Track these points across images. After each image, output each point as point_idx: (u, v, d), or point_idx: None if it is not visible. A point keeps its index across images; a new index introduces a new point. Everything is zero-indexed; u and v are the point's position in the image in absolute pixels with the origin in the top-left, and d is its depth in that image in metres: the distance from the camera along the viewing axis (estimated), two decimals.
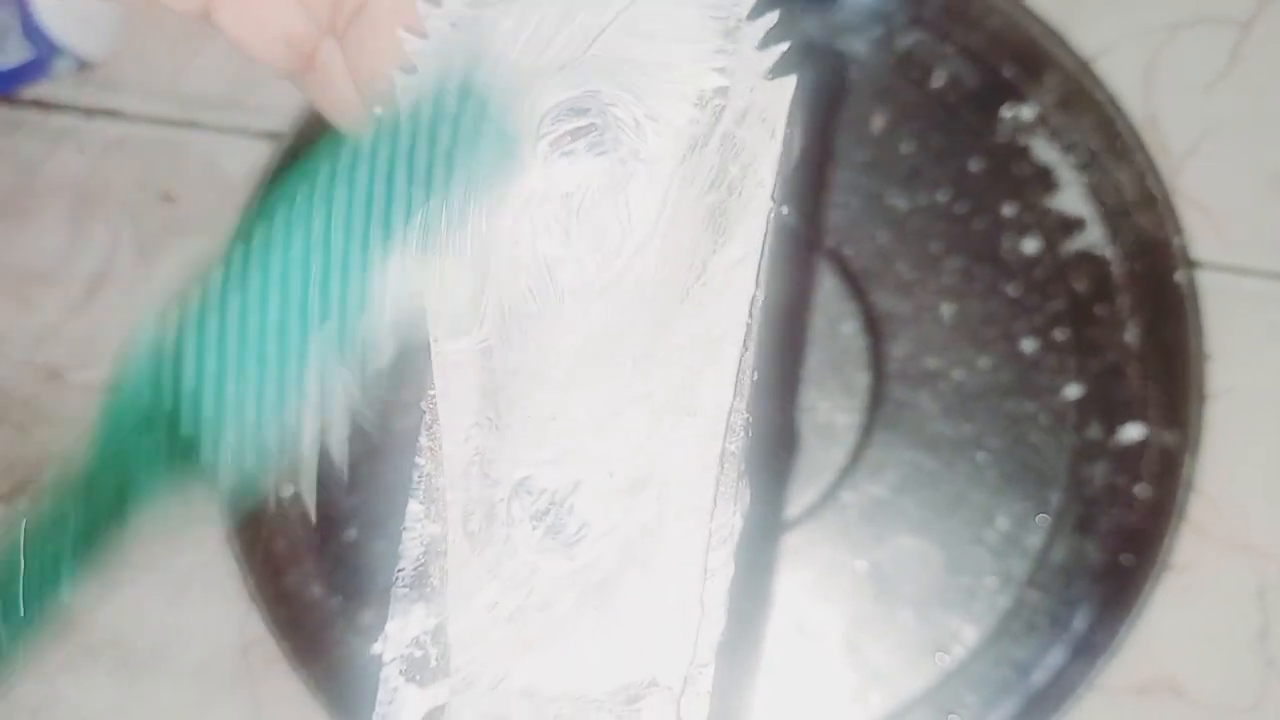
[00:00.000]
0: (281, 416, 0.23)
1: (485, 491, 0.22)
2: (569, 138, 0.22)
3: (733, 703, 0.44)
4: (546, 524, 0.21)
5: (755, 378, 0.22)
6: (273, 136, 0.51)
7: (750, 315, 0.22)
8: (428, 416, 0.23)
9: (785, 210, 0.23)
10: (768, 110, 0.23)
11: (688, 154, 0.22)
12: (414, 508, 0.24)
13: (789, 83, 0.23)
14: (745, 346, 0.22)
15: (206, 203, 0.52)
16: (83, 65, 0.53)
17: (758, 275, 0.22)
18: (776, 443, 0.46)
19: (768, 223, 0.22)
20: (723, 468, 0.21)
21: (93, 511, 0.23)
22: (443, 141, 0.22)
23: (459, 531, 0.22)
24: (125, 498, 0.23)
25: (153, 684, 0.49)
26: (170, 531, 0.23)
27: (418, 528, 0.23)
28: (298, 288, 0.23)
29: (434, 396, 0.24)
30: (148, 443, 0.23)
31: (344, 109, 0.29)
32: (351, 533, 0.48)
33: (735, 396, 0.22)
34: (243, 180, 0.51)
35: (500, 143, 0.22)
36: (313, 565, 0.48)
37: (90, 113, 0.54)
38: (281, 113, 0.51)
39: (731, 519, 0.22)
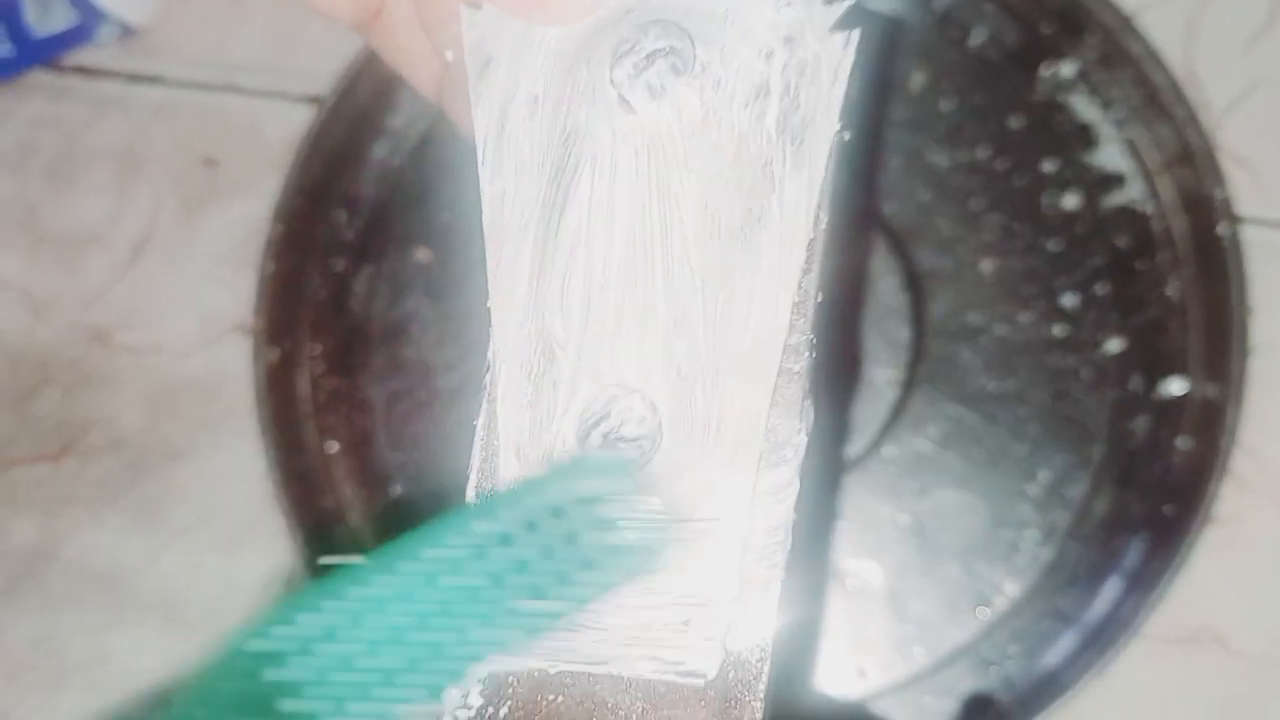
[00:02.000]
0: None
1: (540, 416, 0.22)
2: (647, 61, 0.22)
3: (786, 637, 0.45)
4: (595, 444, 0.22)
5: (820, 299, 0.22)
6: (313, 100, 0.52)
7: (811, 243, 0.22)
8: (490, 357, 0.24)
9: (847, 135, 0.24)
10: (831, 63, 0.23)
11: (752, 101, 0.23)
12: (475, 454, 0.24)
13: (853, 36, 0.23)
14: (808, 269, 0.22)
15: (248, 167, 0.53)
16: (126, 31, 0.54)
17: (819, 206, 0.23)
18: (841, 367, 0.46)
19: (828, 166, 0.22)
20: (787, 386, 0.22)
21: None
22: (573, 520, 0.21)
23: (511, 459, 0.22)
24: None
25: (204, 640, 0.50)
26: None
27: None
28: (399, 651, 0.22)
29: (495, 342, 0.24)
30: None
31: (411, 58, 0.29)
32: (397, 488, 0.49)
33: (798, 317, 0.22)
34: (284, 144, 0.52)
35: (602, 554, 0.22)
36: (359, 522, 0.49)
37: (134, 79, 0.54)
38: (322, 77, 0.51)
39: (796, 436, 0.22)
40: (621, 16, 0.23)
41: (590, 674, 0.22)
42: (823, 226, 0.22)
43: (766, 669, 0.21)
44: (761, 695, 0.21)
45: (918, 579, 0.47)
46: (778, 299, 0.22)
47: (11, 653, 0.50)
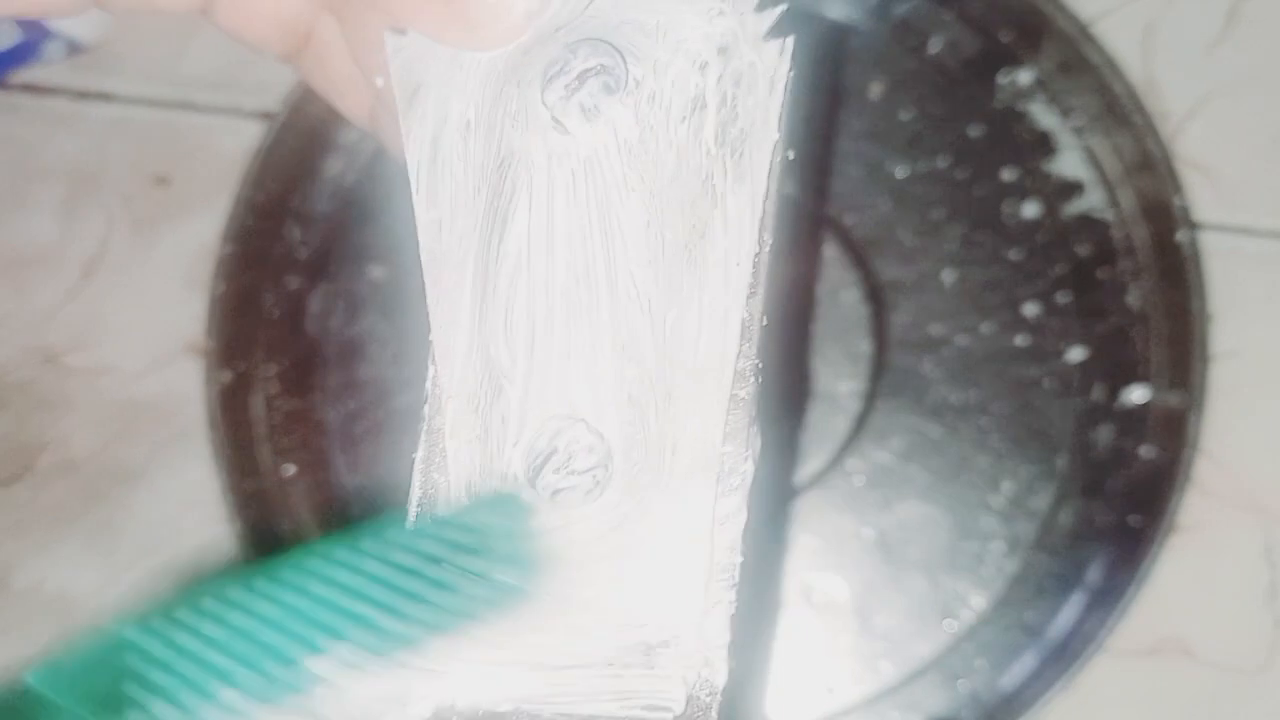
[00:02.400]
0: None
1: (490, 450, 0.22)
2: (578, 81, 0.22)
3: (746, 661, 0.44)
4: (549, 480, 0.21)
5: (765, 323, 0.22)
6: (266, 116, 0.51)
7: (756, 263, 0.22)
8: (430, 382, 0.23)
9: (791, 155, 0.23)
10: (767, 72, 0.22)
11: (689, 114, 0.22)
12: (415, 487, 0.23)
13: (788, 44, 0.22)
14: (753, 291, 0.22)
15: (201, 184, 0.52)
16: (74, 48, 0.53)
17: (762, 225, 0.22)
18: (788, 392, 0.46)
19: (770, 178, 0.22)
20: (733, 413, 0.21)
21: None
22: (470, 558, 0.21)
23: (461, 496, 0.22)
24: None
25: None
26: None
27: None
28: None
29: (434, 373, 0.23)
30: None
31: (342, 86, 0.28)
32: (355, 510, 0.48)
33: (744, 341, 0.22)
34: (236, 161, 0.51)
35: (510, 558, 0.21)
36: None
37: (83, 96, 0.53)
38: (275, 92, 0.51)
39: (743, 465, 0.21)
40: (550, 35, 0.22)
41: (518, 714, 0.21)
42: (766, 249, 0.22)
43: (716, 704, 0.21)
44: None
45: (883, 593, 0.46)
46: (727, 315, 0.21)
47: None
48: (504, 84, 0.22)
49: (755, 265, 0.22)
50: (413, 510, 0.22)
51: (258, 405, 0.49)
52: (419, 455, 0.22)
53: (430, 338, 0.23)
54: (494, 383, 0.22)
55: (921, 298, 0.47)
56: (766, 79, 0.22)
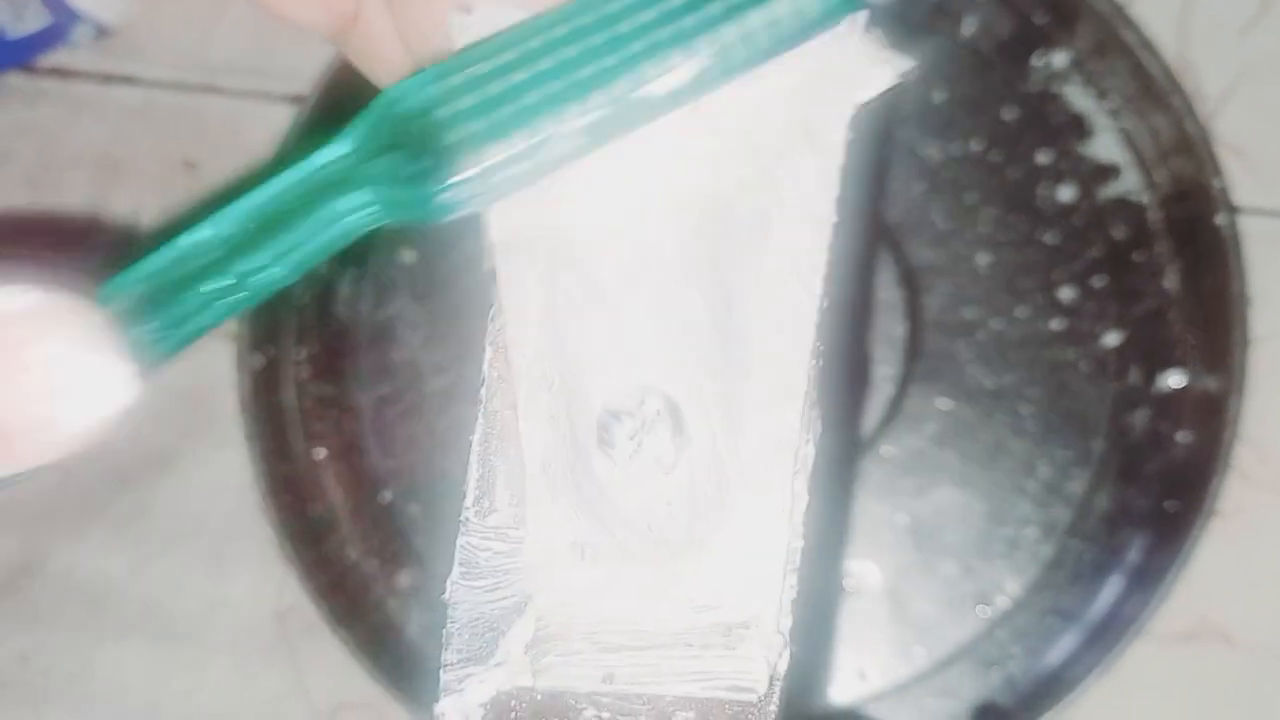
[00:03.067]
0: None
1: (562, 429, 0.21)
2: None
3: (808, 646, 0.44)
4: (628, 456, 0.21)
5: (826, 304, 0.22)
6: (295, 100, 0.51)
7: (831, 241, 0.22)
8: (488, 365, 0.23)
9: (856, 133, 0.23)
10: (842, 46, 0.22)
11: (757, 85, 0.22)
12: (472, 469, 0.22)
13: (860, 17, 0.22)
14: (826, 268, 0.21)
15: (229, 169, 0.52)
16: (102, 32, 0.52)
17: (839, 199, 0.22)
18: (848, 372, 0.46)
19: (847, 151, 0.22)
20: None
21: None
22: None
23: (537, 474, 0.21)
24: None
25: (191, 653, 0.49)
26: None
27: (478, 487, 0.22)
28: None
29: (494, 345, 0.23)
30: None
31: (388, 66, 0.28)
32: (387, 494, 0.48)
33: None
34: (265, 145, 0.51)
35: None
36: (349, 529, 0.48)
37: (110, 80, 0.53)
38: (303, 76, 0.50)
39: (805, 448, 0.21)
40: None
41: (595, 700, 0.21)
42: (831, 226, 0.22)
43: (779, 688, 0.21)
44: (774, 708, 0.21)
45: (917, 579, 0.46)
46: (802, 290, 0.21)
47: None
48: None
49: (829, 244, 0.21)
50: (470, 495, 0.22)
51: (289, 390, 0.49)
52: (476, 437, 0.22)
53: (490, 318, 0.22)
54: (566, 361, 0.21)
55: (956, 281, 0.47)
56: (840, 55, 0.22)
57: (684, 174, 0.21)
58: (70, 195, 0.52)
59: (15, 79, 0.53)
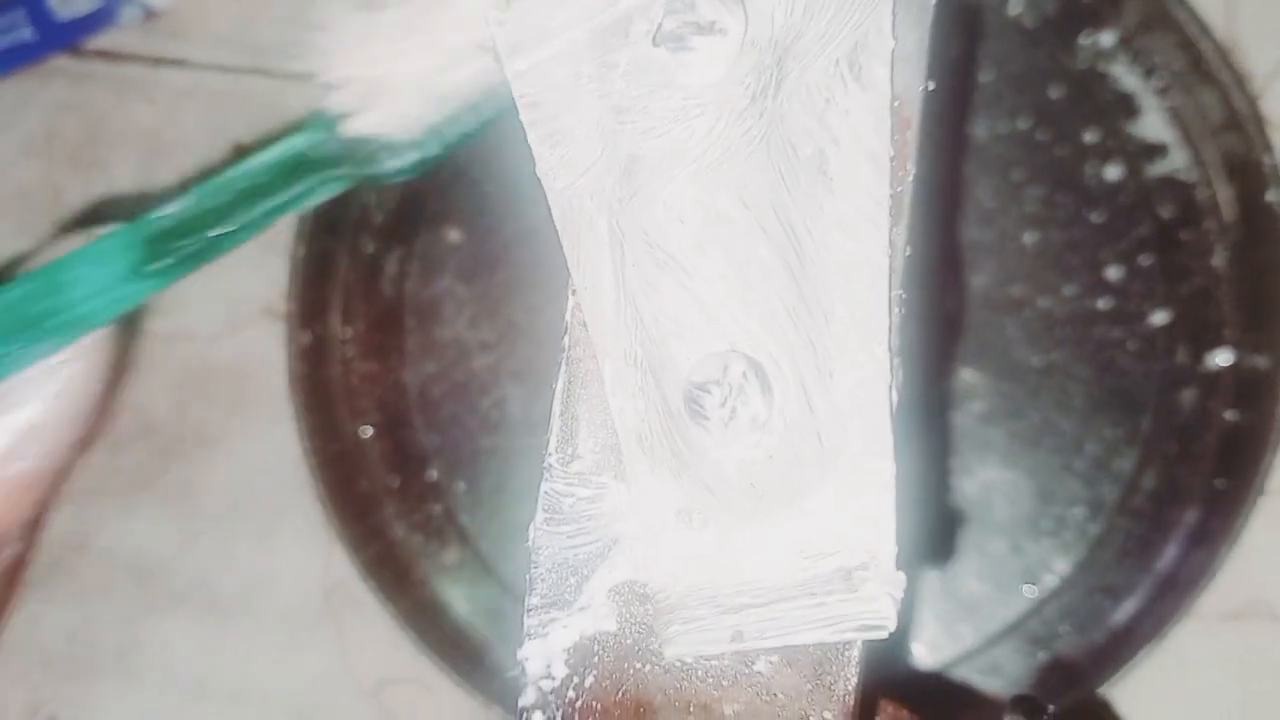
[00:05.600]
0: None
1: (653, 400, 0.21)
2: (685, 21, 0.21)
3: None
4: (715, 413, 0.21)
5: (909, 253, 0.22)
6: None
7: (899, 192, 0.22)
8: (570, 312, 0.23)
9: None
10: None
11: (800, 35, 0.22)
12: (554, 416, 0.23)
13: None
14: (895, 220, 0.21)
15: None
16: (149, 14, 0.53)
17: (905, 153, 0.22)
18: (936, 319, 0.46)
19: (891, 85, 0.22)
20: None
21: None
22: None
23: (633, 447, 0.21)
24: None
25: (239, 627, 0.49)
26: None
27: (556, 459, 0.22)
28: None
29: (573, 303, 0.23)
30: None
31: None
32: (433, 472, 0.48)
33: (890, 272, 0.21)
34: None
35: None
36: (395, 506, 0.48)
37: (158, 62, 0.53)
38: None
39: (889, 391, 0.21)
40: None
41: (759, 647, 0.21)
42: (910, 177, 0.22)
43: (895, 616, 0.21)
44: (855, 661, 0.21)
45: (964, 557, 0.46)
46: (871, 227, 0.21)
47: (45, 644, 0.50)
48: (609, 40, 0.22)
49: (899, 193, 0.21)
50: (553, 442, 0.22)
51: (335, 367, 0.49)
52: (558, 385, 0.22)
53: (570, 291, 0.22)
54: (646, 332, 0.21)
55: (1003, 259, 0.47)
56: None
57: (736, 127, 0.22)
58: (117, 176, 0.53)
59: (63, 61, 0.54)
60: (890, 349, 0.21)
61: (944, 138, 0.47)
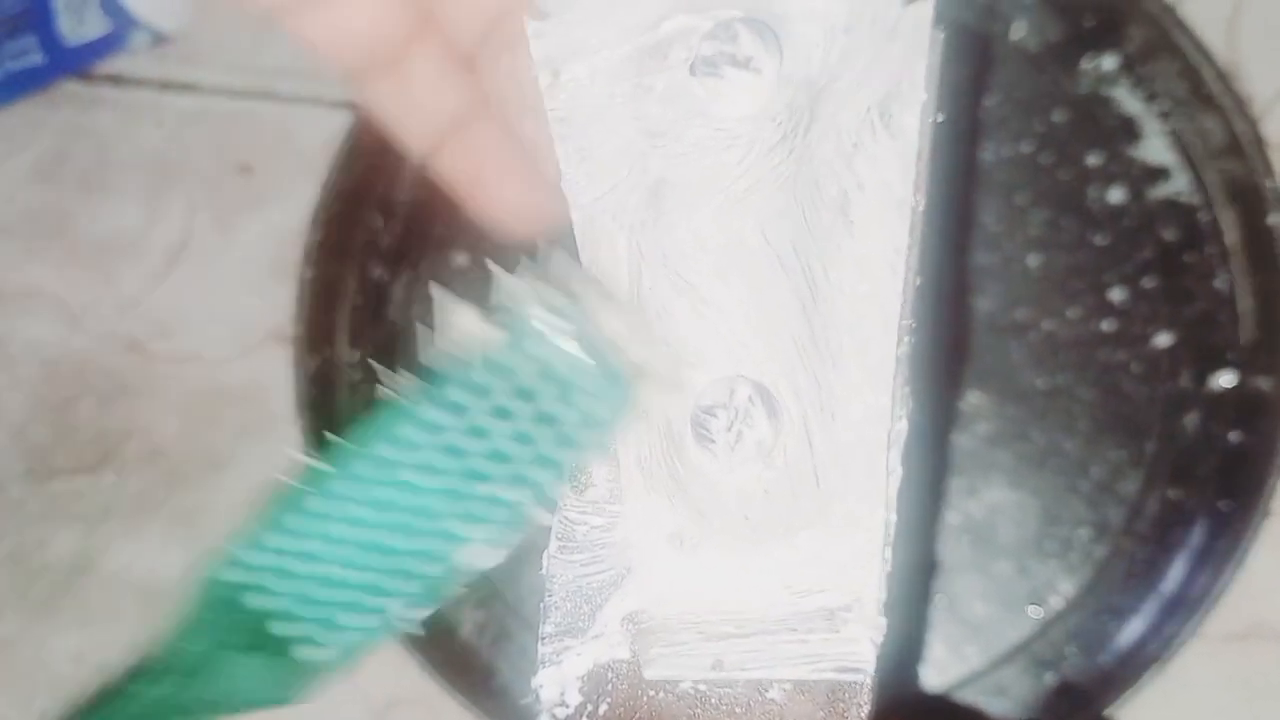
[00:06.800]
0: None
1: (656, 422, 0.22)
2: (720, 53, 0.22)
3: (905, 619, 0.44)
4: (719, 439, 0.21)
5: (919, 283, 0.22)
6: (348, 105, 0.51)
7: (910, 223, 0.22)
8: None
9: (940, 118, 0.23)
10: (911, 33, 0.22)
11: (833, 76, 0.22)
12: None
13: (929, 6, 0.23)
14: (908, 248, 0.22)
15: (283, 173, 0.53)
16: (158, 39, 0.53)
17: (915, 185, 0.22)
18: (943, 348, 0.46)
19: (926, 136, 0.22)
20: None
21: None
22: (542, 398, 0.21)
23: (632, 468, 0.22)
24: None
25: None
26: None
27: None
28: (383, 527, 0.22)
29: None
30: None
31: (416, 121, 0.28)
32: None
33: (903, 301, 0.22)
34: (319, 149, 0.51)
35: (603, 391, 0.21)
36: None
37: (166, 86, 0.54)
38: None
39: (896, 424, 0.21)
40: (678, 9, 0.22)
41: (735, 681, 0.21)
42: (920, 209, 0.22)
43: (873, 660, 0.21)
44: (868, 688, 0.21)
45: (969, 579, 0.46)
46: (888, 272, 0.21)
47: (51, 666, 0.50)
48: (646, 62, 0.22)
49: (910, 227, 0.22)
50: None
51: (342, 391, 0.49)
52: None
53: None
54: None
55: (1007, 282, 0.47)
56: (910, 41, 0.22)
57: (765, 162, 0.22)
58: (125, 200, 0.53)
59: (73, 86, 0.54)
60: (899, 381, 0.21)
61: (953, 166, 0.48)
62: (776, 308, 0.22)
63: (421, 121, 0.28)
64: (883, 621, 0.20)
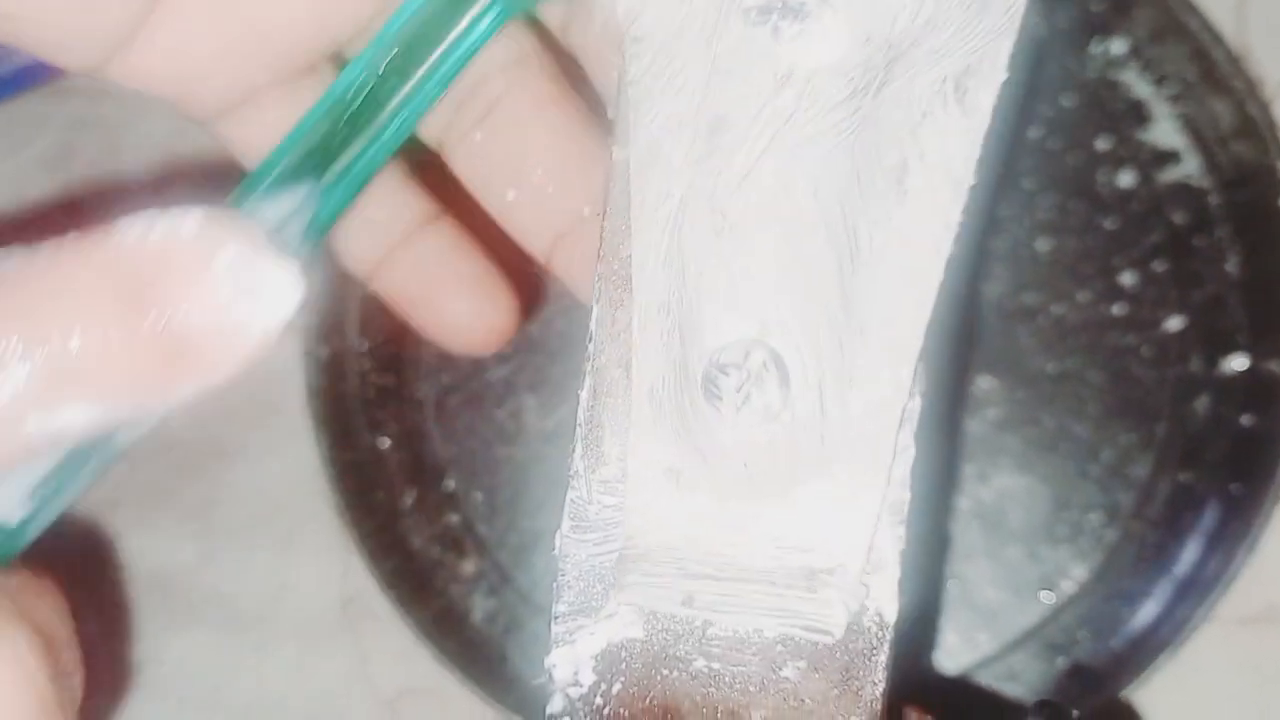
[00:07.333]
0: None
1: (674, 356, 0.22)
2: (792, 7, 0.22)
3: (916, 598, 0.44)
4: (730, 397, 0.21)
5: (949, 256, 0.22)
6: None
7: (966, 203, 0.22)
8: (595, 322, 0.23)
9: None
10: (1007, 7, 0.22)
11: (909, 41, 0.22)
12: (580, 421, 0.23)
13: None
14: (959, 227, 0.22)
15: None
16: None
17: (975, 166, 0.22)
18: (952, 333, 0.46)
19: (995, 110, 0.22)
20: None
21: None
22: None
23: (643, 398, 0.22)
24: None
25: (257, 639, 0.49)
26: None
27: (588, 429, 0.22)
28: None
29: (601, 302, 0.23)
30: None
31: (359, 236, 0.28)
32: (450, 482, 0.48)
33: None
34: None
35: None
36: (413, 516, 0.48)
37: None
38: None
39: (911, 401, 0.21)
40: None
41: (705, 650, 0.21)
42: (968, 189, 0.22)
43: (888, 639, 0.21)
44: (883, 666, 0.21)
45: (979, 564, 0.46)
46: (934, 250, 0.21)
47: None
48: (722, 17, 0.22)
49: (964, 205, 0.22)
50: (579, 449, 0.22)
51: (353, 380, 0.49)
52: (583, 393, 0.22)
53: (595, 277, 0.23)
54: (686, 289, 0.22)
55: (1016, 267, 0.47)
56: (1000, 18, 0.22)
57: (828, 117, 0.22)
58: (134, 190, 0.53)
59: (79, 77, 0.54)
60: (915, 370, 0.21)
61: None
62: (812, 263, 0.21)
63: (366, 237, 0.28)
64: (862, 589, 0.20)
